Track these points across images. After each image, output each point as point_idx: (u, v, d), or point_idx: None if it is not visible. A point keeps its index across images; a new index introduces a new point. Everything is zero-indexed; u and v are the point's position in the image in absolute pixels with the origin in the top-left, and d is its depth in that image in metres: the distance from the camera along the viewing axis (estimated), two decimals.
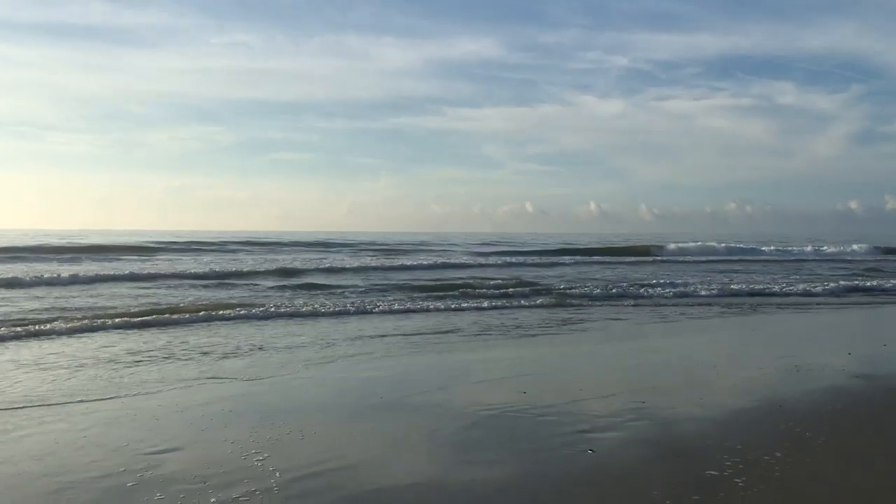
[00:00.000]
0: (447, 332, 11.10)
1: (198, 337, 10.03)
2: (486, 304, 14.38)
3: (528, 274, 24.33)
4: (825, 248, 47.22)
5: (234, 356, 8.68)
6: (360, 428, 5.58)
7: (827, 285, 19.63)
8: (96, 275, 17.91)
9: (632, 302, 15.85)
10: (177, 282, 17.62)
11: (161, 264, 24.57)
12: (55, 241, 39.48)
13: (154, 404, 6.26)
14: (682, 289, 18.21)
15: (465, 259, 31.44)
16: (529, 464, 4.58)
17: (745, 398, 6.49)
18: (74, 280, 16.87)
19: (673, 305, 15.38)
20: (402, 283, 19.03)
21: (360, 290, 16.71)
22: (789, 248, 46.10)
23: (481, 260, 31.36)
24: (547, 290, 17.24)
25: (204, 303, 13.22)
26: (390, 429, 5.53)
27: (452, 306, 13.89)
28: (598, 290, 17.34)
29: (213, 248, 39.10)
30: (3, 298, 13.82)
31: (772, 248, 45.80)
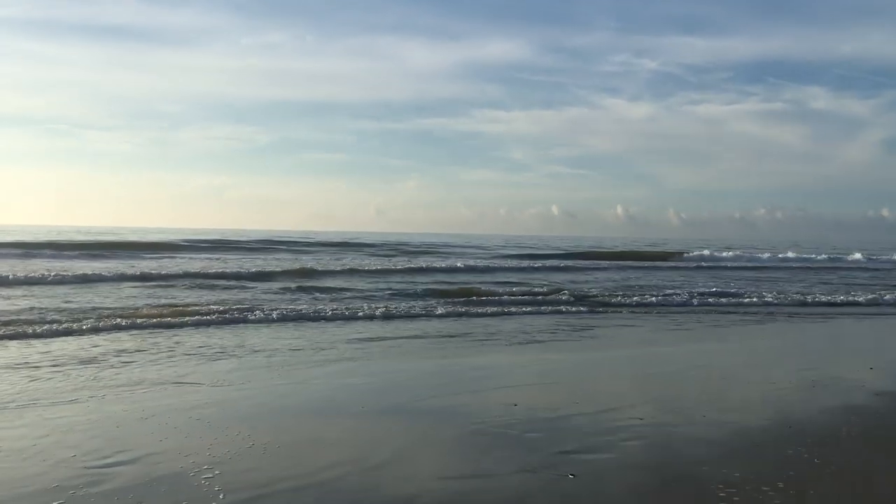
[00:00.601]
0: (448, 336, 10.69)
1: (187, 339, 9.71)
2: (491, 309, 13.88)
3: (545, 278, 23.82)
4: (857, 255, 45.57)
5: (218, 360, 8.33)
6: (330, 440, 5.20)
7: (882, 296, 18.87)
8: (102, 273, 17.68)
9: (649, 308, 15.31)
10: (185, 282, 17.31)
11: (177, 263, 24.42)
12: (80, 238, 39.78)
13: (121, 410, 5.93)
14: (703, 297, 17.56)
15: (483, 262, 30.97)
16: (501, 488, 4.16)
17: (753, 416, 6.00)
18: (85, 279, 16.65)
19: (690, 312, 14.82)
20: (415, 286, 18.66)
21: (370, 293, 16.33)
22: (834, 256, 44.58)
23: (501, 263, 30.87)
24: (563, 296, 16.73)
25: (204, 303, 12.92)
26: (361, 443, 5.13)
27: (461, 311, 13.45)
28: (616, 296, 16.80)
29: (235, 246, 39.05)
30: (4, 297, 13.67)
31: (822, 256, 44.24)
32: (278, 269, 21.72)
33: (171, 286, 16.31)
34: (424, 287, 17.89)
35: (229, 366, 7.99)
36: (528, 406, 6.29)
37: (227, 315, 11.47)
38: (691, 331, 12.26)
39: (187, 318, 11.02)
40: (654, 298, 16.63)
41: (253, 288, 16.77)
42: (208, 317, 11.30)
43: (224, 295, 15.03)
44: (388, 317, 12.54)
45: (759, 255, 44.53)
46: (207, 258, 29.26)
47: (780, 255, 43.69)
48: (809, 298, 17.90)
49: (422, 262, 29.80)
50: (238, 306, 12.43)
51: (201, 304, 12.55)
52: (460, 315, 13.17)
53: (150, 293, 14.83)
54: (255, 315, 11.66)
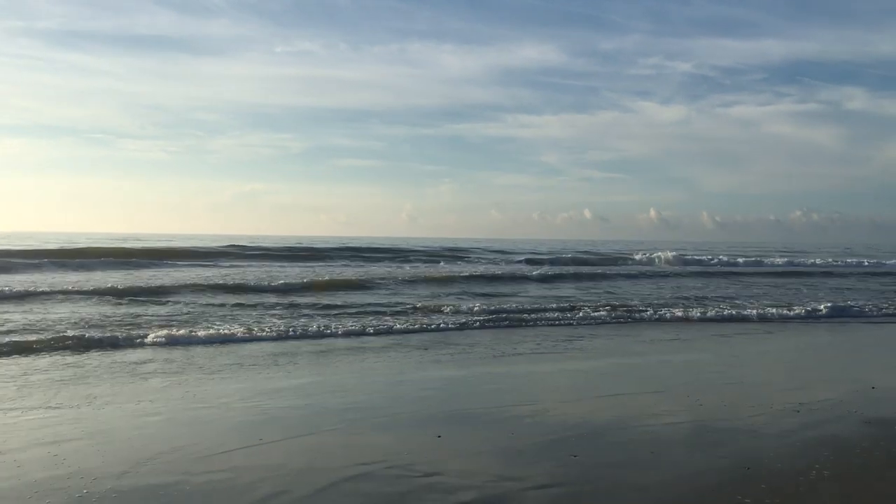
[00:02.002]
0: (382, 348, 9.86)
1: (131, 356, 8.99)
2: (453, 321, 12.94)
3: (547, 288, 22.83)
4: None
5: (145, 380, 7.58)
6: (198, 484, 4.39)
7: None
8: (82, 288, 16.87)
9: (652, 319, 14.30)
10: (178, 297, 16.40)
11: (175, 274, 23.73)
12: (105, 245, 39.29)
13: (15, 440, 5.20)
14: (706, 308, 16.45)
15: (498, 268, 30.02)
16: None
17: (709, 454, 5.06)
18: (67, 293, 16.01)
19: (701, 322, 13.81)
20: (411, 298, 17.87)
21: (367, 307, 15.25)
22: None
23: (509, 269, 29.85)
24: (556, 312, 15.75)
25: (177, 320, 12.15)
26: (233, 488, 4.32)
27: (432, 325, 12.52)
28: (609, 308, 15.67)
29: (248, 254, 38.28)
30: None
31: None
32: (274, 283, 20.49)
33: (163, 301, 15.21)
34: (410, 302, 16.91)
35: (151, 385, 7.27)
36: (451, 440, 5.44)
37: (175, 332, 10.62)
38: (689, 341, 11.24)
39: (150, 338, 10.10)
40: (664, 308, 15.59)
41: (190, 303, 15.84)
42: (178, 333, 10.52)
43: (223, 310, 13.90)
44: (350, 334, 11.43)
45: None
46: (219, 267, 28.66)
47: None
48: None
49: (436, 270, 28.77)
50: (189, 325, 11.45)
51: (164, 320, 11.73)
52: (425, 330, 12.35)
53: (124, 310, 13.97)
54: (205, 332, 10.72)
